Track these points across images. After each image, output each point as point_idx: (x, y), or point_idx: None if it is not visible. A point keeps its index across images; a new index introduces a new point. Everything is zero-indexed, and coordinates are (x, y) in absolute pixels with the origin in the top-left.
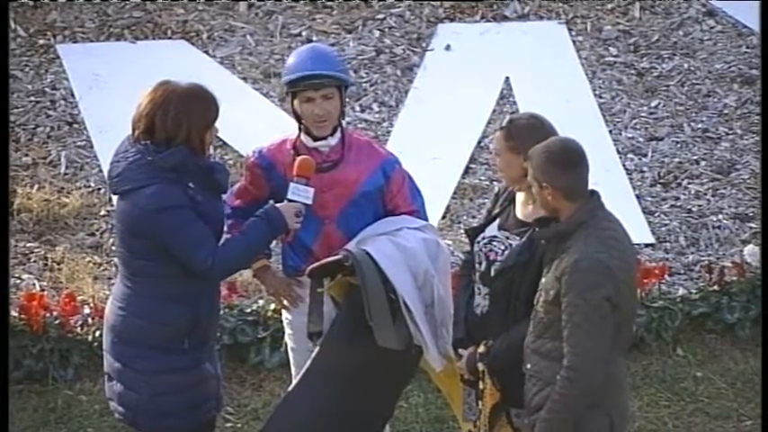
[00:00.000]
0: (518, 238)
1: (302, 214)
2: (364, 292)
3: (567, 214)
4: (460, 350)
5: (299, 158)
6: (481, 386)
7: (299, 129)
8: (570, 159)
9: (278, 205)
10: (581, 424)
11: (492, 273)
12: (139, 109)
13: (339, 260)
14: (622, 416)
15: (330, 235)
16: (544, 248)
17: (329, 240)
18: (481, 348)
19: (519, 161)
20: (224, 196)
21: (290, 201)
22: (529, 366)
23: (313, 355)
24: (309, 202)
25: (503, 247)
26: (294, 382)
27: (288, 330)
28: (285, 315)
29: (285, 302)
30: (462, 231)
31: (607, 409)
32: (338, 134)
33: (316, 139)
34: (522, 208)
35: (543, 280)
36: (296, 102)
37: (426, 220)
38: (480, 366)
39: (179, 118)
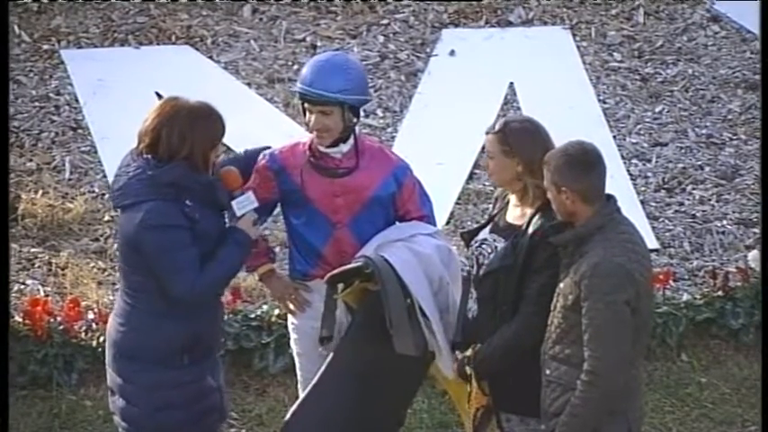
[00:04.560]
0: (504, 240)
1: (258, 220)
2: (385, 300)
3: (584, 218)
4: (457, 352)
5: (222, 174)
6: (468, 389)
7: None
8: (589, 162)
9: (238, 225)
10: (601, 430)
11: (480, 276)
12: (146, 123)
13: (360, 267)
14: (640, 421)
15: (341, 239)
16: (549, 252)
17: (340, 245)
18: (468, 352)
19: (513, 164)
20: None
21: (240, 217)
22: (548, 372)
23: (327, 360)
24: (256, 204)
25: (489, 250)
26: (308, 388)
27: (293, 335)
28: (291, 320)
29: (291, 307)
30: None
31: (626, 414)
32: (350, 141)
33: (323, 146)
34: (512, 210)
35: (561, 285)
36: (305, 110)
37: (435, 225)
38: (468, 370)
39: (184, 134)
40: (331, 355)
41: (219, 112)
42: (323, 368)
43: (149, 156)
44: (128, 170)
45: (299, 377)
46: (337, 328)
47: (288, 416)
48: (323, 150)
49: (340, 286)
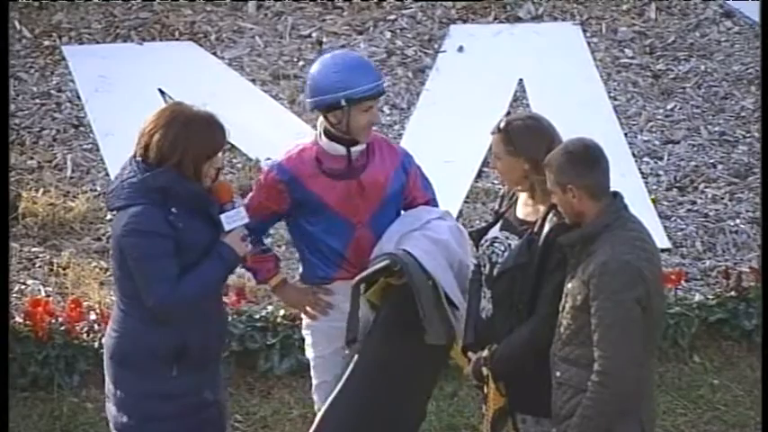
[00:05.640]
0: (517, 238)
1: (247, 236)
2: (417, 294)
3: (591, 215)
4: (470, 354)
5: (215, 187)
6: (486, 390)
7: (321, 138)
8: (592, 157)
9: (225, 240)
10: (614, 431)
11: (494, 275)
12: (143, 126)
13: (387, 266)
14: (652, 421)
15: (362, 239)
16: (563, 252)
17: (362, 244)
18: (485, 353)
19: (519, 163)
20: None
21: (228, 231)
22: (558, 374)
23: (354, 360)
24: (247, 220)
25: (503, 248)
26: (336, 389)
27: (310, 339)
28: (308, 323)
29: (312, 312)
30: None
31: (639, 415)
32: None
33: (350, 145)
34: (523, 207)
35: (569, 285)
36: (352, 112)
37: (438, 206)
38: (485, 371)
39: (176, 141)
40: (356, 355)
41: (221, 124)
42: (350, 368)
43: (141, 159)
44: (122, 173)
45: (314, 381)
46: (362, 328)
47: (317, 419)
48: (338, 154)
49: (362, 286)
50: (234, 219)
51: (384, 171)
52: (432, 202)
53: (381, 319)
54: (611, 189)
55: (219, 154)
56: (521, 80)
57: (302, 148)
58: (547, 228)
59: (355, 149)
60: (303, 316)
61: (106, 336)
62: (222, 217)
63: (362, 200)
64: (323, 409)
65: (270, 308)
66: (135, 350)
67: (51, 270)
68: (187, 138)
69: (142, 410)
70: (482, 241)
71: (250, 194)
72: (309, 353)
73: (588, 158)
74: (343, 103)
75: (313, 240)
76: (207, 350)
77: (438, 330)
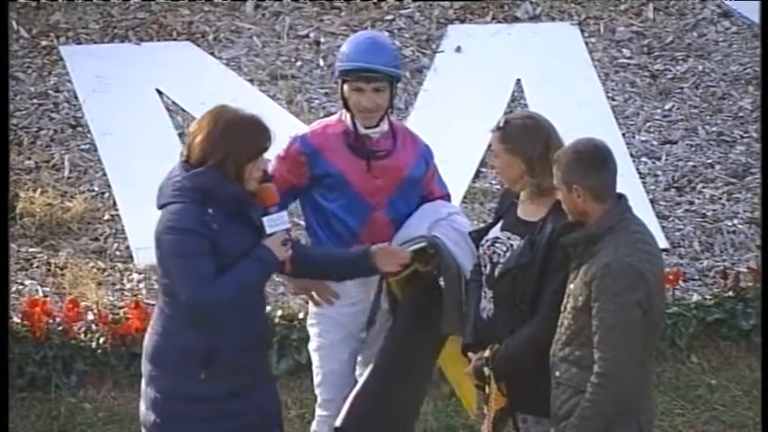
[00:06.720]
0: (519, 238)
1: (288, 240)
2: (445, 280)
3: (595, 217)
4: (470, 354)
5: (260, 190)
6: (487, 391)
7: (346, 115)
8: (599, 159)
9: (265, 242)
10: (611, 431)
11: (495, 275)
12: (190, 128)
13: (423, 248)
14: (651, 422)
15: (378, 221)
16: (566, 252)
17: (377, 226)
18: (486, 353)
19: (517, 162)
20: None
21: (270, 235)
22: (558, 374)
23: (377, 354)
24: (289, 225)
25: (504, 249)
26: (360, 381)
27: (317, 328)
28: (315, 311)
29: (317, 299)
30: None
31: (637, 415)
32: (386, 120)
33: (367, 126)
34: (523, 207)
35: (571, 286)
36: (345, 88)
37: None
38: (486, 371)
39: (219, 142)
40: (378, 353)
41: (265, 126)
42: (373, 363)
43: (184, 160)
44: (171, 172)
45: (320, 371)
46: (380, 316)
47: (342, 413)
48: (362, 132)
49: None
50: (276, 222)
51: (405, 158)
52: (446, 197)
53: (402, 311)
54: (618, 192)
55: (264, 156)
56: (518, 80)
57: (326, 125)
58: (549, 227)
59: (376, 130)
60: (310, 305)
61: (146, 335)
62: (264, 220)
63: (382, 183)
64: (347, 402)
65: (268, 308)
66: (168, 349)
67: (49, 270)
68: (229, 139)
69: (170, 411)
70: (482, 241)
71: (270, 167)
72: (314, 342)
73: (596, 160)
74: (336, 73)
75: (326, 217)
76: (243, 354)
77: (455, 319)
